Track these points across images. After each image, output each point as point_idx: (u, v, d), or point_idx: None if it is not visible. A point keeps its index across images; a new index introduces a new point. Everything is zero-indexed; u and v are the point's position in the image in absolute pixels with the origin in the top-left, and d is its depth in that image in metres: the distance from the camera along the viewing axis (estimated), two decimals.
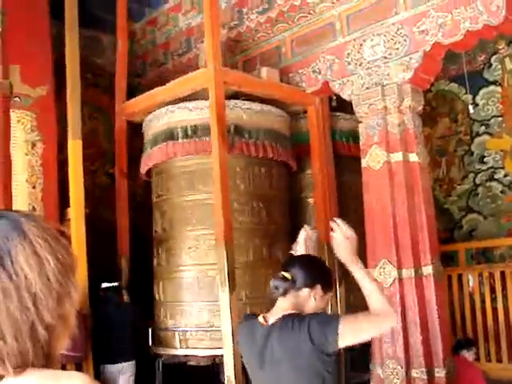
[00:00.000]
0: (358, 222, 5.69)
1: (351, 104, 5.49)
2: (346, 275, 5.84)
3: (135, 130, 6.03)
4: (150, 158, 5.68)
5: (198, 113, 5.42)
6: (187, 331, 5.30)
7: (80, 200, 5.35)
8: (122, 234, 5.97)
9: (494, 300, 7.17)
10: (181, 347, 5.35)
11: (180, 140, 5.43)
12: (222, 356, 4.82)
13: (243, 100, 5.49)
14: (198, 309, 5.30)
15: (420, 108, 5.31)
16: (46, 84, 5.59)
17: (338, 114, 6.37)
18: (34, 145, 5.45)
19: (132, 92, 6.21)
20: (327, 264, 5.62)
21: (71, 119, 5.41)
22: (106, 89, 6.73)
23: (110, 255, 5.98)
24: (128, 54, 6.43)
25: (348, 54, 5.49)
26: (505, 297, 7.05)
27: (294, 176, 6.22)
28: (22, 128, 5.41)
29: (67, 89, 5.43)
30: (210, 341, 5.18)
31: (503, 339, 7.04)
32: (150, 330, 5.64)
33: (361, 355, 5.60)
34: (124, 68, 6.26)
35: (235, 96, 5.45)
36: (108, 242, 6.04)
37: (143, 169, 5.81)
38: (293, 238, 5.87)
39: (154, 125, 5.66)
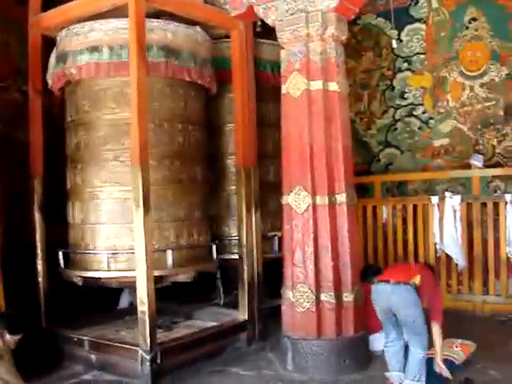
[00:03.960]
0: (276, 151, 5.78)
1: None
2: (263, 203, 5.98)
3: (51, 45, 5.71)
4: (64, 76, 5.42)
5: (118, 31, 5.19)
6: (101, 253, 5.24)
7: None
8: (35, 153, 5.73)
9: (404, 232, 7.48)
10: (94, 269, 5.30)
11: (97, 59, 5.20)
12: (135, 278, 4.82)
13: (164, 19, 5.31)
14: (111, 231, 5.24)
15: (343, 38, 5.27)
16: None
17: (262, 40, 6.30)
18: None
19: (47, 4, 5.85)
20: (244, 189, 5.73)
21: None
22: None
23: (22, 177, 5.79)
24: None
25: None
26: (415, 229, 7.35)
27: (214, 101, 6.16)
28: None
29: None
30: (124, 263, 5.15)
31: None
32: (60, 253, 5.56)
33: (272, 282, 5.76)
34: None
35: (155, 15, 5.26)
36: (20, 164, 5.83)
37: (55, 86, 5.56)
38: (209, 161, 5.92)
39: (69, 41, 5.38)
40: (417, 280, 4.35)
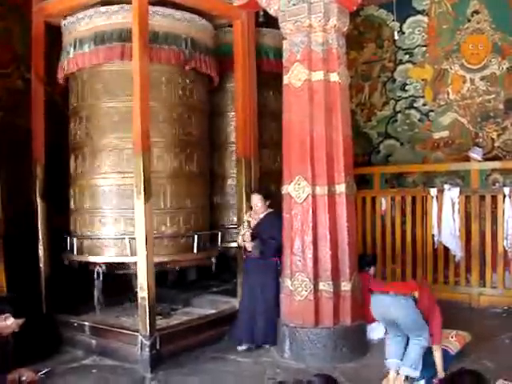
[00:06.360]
0: (277, 138, 5.79)
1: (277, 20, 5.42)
2: None
3: (54, 32, 5.72)
4: (70, 63, 5.45)
5: (121, 17, 5.22)
6: (103, 239, 5.30)
7: None
8: (37, 140, 5.77)
9: (403, 223, 7.53)
10: (96, 255, 5.36)
11: (101, 45, 5.24)
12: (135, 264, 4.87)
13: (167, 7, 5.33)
14: (114, 217, 5.30)
15: (345, 29, 5.30)
16: None
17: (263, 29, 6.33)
18: None
19: None
20: (244, 178, 5.78)
21: None
22: None
23: (25, 164, 5.82)
24: None
25: None
26: (413, 221, 7.40)
27: (216, 90, 6.19)
28: None
29: None
30: (126, 249, 5.19)
31: (408, 260, 7.44)
32: (68, 239, 5.59)
33: None
34: None
35: (158, 3, 5.28)
36: (22, 151, 5.86)
37: (60, 74, 5.60)
38: (211, 150, 5.97)
39: (74, 28, 5.41)
40: (415, 294, 4.30)
